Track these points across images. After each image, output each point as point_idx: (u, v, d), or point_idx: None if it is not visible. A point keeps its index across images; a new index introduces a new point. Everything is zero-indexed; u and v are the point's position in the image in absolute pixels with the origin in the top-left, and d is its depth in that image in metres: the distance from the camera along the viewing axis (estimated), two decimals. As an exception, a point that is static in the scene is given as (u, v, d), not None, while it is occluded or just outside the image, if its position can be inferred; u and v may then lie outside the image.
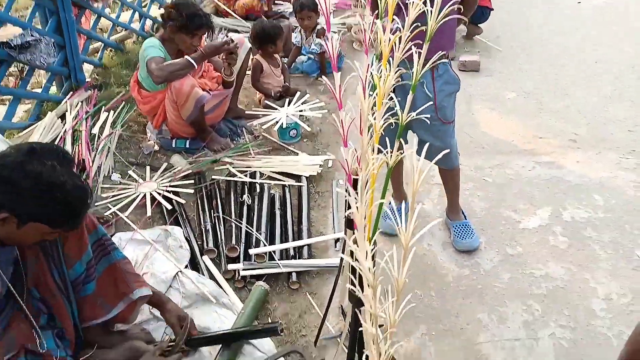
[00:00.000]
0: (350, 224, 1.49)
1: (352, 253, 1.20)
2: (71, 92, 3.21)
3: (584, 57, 4.05)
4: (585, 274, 2.06)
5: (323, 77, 3.89)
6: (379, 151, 1.10)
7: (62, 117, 3.01)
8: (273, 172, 2.73)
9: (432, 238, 2.28)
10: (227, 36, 4.47)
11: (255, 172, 2.72)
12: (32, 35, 2.86)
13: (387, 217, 2.24)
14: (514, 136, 3.08)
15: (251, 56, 3.36)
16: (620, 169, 2.73)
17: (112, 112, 3.13)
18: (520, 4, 5.36)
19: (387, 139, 1.20)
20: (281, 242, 2.23)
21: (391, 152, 1.07)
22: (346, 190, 1.28)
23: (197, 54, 2.75)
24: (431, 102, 1.97)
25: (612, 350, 1.72)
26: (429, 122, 1.76)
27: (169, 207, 2.42)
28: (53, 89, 3.32)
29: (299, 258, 2.15)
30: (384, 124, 1.16)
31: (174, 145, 2.95)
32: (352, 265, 1.42)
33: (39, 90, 3.19)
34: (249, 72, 3.45)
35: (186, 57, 2.72)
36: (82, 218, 1.40)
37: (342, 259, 1.62)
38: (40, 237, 1.37)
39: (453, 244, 2.22)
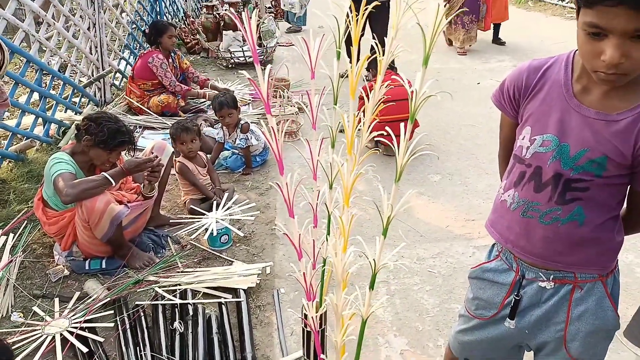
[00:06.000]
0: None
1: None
2: (-41, 218, 2.78)
3: (496, 135, 4.33)
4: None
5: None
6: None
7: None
8: (206, 287, 2.46)
9: (390, 348, 2.12)
10: (144, 136, 4.26)
11: (185, 290, 2.43)
12: None
13: None
14: (447, 220, 3.10)
15: (174, 158, 3.17)
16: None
17: (11, 234, 2.72)
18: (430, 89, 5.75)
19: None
20: (223, 377, 1.95)
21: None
22: None
23: (115, 170, 2.51)
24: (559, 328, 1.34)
25: None
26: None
27: (85, 349, 2.04)
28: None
29: (246, 395, 1.87)
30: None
31: (87, 268, 2.60)
32: None
33: None
34: (172, 174, 3.24)
35: (103, 173, 2.46)
36: None
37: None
38: None
39: None
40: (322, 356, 0.96)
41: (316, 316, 1.05)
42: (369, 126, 1.09)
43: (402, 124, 0.93)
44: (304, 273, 1.01)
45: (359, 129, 1.11)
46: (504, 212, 1.34)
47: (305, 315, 1.19)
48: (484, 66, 6.54)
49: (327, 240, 1.02)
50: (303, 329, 1.29)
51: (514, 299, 1.36)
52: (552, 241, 1.24)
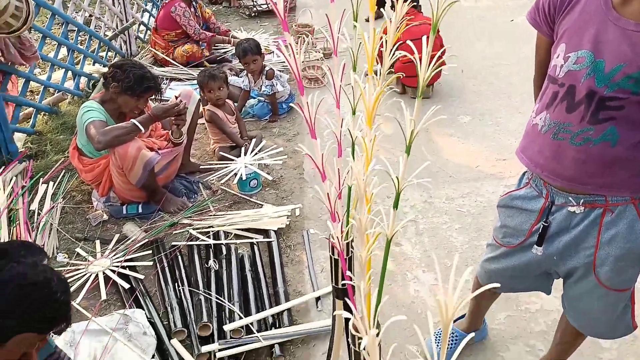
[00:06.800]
0: (341, 294, 1.33)
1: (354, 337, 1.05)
2: (3, 167, 2.90)
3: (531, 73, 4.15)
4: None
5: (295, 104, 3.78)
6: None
7: (-6, 196, 2.70)
8: (238, 229, 2.53)
9: (418, 283, 2.15)
10: (171, 87, 4.28)
11: (218, 231, 2.51)
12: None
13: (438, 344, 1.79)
14: (477, 160, 3.05)
15: (202, 107, 3.19)
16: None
17: (51, 183, 2.84)
18: (461, 29, 5.52)
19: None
20: (257, 310, 2.03)
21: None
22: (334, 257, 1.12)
23: (144, 117, 2.55)
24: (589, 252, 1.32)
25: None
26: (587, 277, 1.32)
27: (127, 285, 2.16)
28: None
29: (279, 326, 1.96)
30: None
31: (125, 212, 2.70)
32: (350, 335, 1.26)
33: (-35, 168, 2.86)
34: (200, 123, 3.27)
35: (132, 120, 2.51)
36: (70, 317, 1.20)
37: (333, 322, 1.44)
38: (24, 350, 1.15)
39: None
40: (348, 273, 0.98)
41: (341, 236, 1.06)
42: (392, 48, 1.05)
43: (424, 37, 0.89)
44: (327, 194, 1.02)
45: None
46: (535, 136, 1.31)
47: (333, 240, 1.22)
48: (516, 2, 6.18)
49: (352, 163, 1.01)
50: (330, 257, 1.31)
51: (542, 226, 1.34)
52: (584, 163, 1.21)
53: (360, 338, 0.98)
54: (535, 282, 1.51)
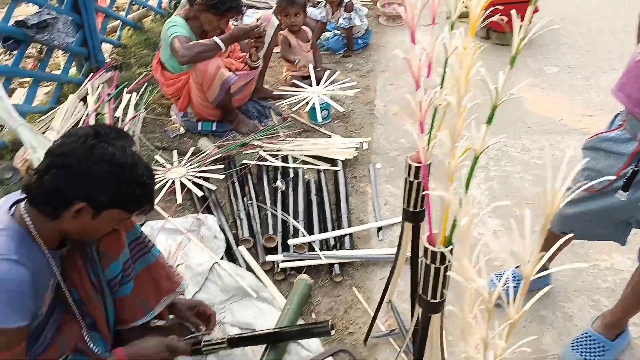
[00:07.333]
0: (413, 217, 1.35)
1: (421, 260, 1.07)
2: (91, 74, 3.07)
3: (628, 32, 3.78)
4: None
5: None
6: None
7: (83, 99, 2.88)
8: (306, 155, 2.58)
9: (483, 227, 2.13)
10: (248, 15, 4.28)
11: (287, 156, 2.57)
12: (49, 14, 2.71)
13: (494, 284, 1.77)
14: (561, 114, 2.88)
15: (279, 32, 3.18)
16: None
17: (134, 94, 2.99)
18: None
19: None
20: (320, 231, 2.10)
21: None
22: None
23: (225, 36, 2.59)
24: None
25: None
26: None
27: (200, 193, 2.29)
28: (72, 71, 3.18)
29: (340, 249, 2.02)
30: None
31: (200, 129, 2.82)
32: (415, 263, 1.28)
33: (58, 72, 3.06)
34: (275, 52, 3.28)
35: (214, 38, 2.56)
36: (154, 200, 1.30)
37: (398, 251, 1.48)
38: (112, 227, 1.27)
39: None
40: (429, 185, 0.99)
41: (426, 147, 1.05)
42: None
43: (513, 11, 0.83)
44: (419, 101, 1.00)
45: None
46: (639, 72, 1.21)
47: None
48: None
49: (450, 73, 0.99)
50: (405, 180, 1.31)
51: (632, 170, 1.27)
52: None
53: (434, 252, 1.00)
54: (613, 230, 1.45)
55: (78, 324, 1.35)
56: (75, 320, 1.35)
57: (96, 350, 1.37)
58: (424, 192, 1.01)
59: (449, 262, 0.99)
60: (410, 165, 1.24)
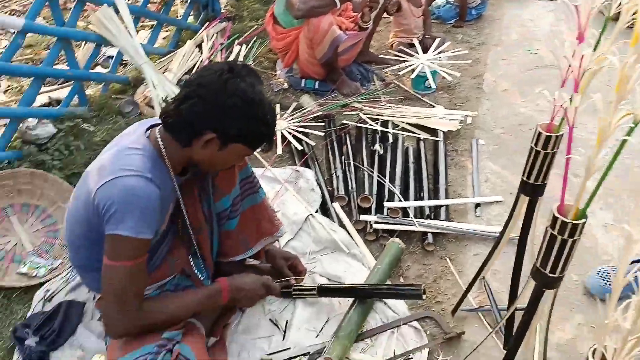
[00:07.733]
0: (532, 190, 1.28)
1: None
2: (207, 23, 3.21)
3: None
4: None
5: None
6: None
7: (199, 46, 3.02)
8: (407, 123, 2.53)
9: (592, 218, 1.98)
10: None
11: (387, 121, 2.54)
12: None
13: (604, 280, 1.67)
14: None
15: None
16: None
17: (244, 45, 3.08)
18: None
19: None
20: (415, 199, 2.07)
21: None
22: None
23: None
24: None
25: None
26: None
27: (299, 147, 2.34)
28: (190, 19, 3.34)
29: (434, 218, 1.98)
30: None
31: (303, 85, 2.85)
32: (523, 240, 1.21)
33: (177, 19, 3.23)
34: (385, 16, 3.20)
35: None
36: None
37: (506, 225, 1.41)
38: (235, 161, 1.33)
39: None
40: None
41: (570, 106, 0.98)
42: None
43: None
44: (582, 56, 0.92)
45: None
46: None
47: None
48: None
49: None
50: (531, 148, 1.24)
51: None
52: None
53: (565, 223, 0.94)
54: None
55: (186, 249, 1.45)
56: (184, 245, 1.45)
57: (200, 276, 1.47)
58: (567, 156, 0.94)
59: (579, 236, 0.93)
60: (540, 134, 1.16)
